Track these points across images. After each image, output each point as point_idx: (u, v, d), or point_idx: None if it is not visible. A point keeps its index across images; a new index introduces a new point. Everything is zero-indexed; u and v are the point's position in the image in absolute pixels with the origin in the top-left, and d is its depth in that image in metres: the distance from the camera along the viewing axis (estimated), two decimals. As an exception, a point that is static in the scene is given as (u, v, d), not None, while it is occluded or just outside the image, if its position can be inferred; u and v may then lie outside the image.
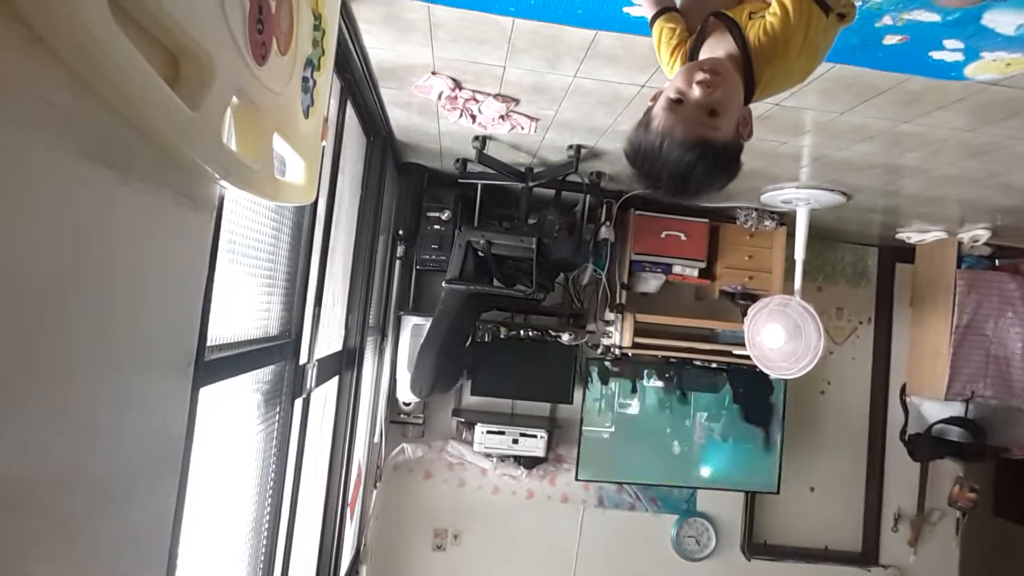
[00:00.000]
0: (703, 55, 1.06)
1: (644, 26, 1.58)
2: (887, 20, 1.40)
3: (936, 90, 1.76)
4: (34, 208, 0.55)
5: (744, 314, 3.53)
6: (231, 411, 1.35)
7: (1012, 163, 2.28)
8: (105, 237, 0.65)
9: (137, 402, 0.76)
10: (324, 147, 1.30)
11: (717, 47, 1.04)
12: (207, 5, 0.71)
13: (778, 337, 2.74)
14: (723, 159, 1.01)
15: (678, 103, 0.97)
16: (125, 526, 0.73)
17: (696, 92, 0.96)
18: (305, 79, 1.12)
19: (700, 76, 0.96)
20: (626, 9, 1.49)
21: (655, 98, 1.02)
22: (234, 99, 0.82)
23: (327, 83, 1.26)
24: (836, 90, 1.84)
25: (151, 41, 0.66)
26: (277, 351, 1.54)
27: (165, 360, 0.84)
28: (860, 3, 1.35)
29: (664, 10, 1.17)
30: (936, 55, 1.52)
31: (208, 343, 1.07)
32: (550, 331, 3.55)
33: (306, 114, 1.16)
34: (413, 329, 3.34)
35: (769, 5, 1.02)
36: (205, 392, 1.07)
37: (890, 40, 1.48)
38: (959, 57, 1.52)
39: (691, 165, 0.97)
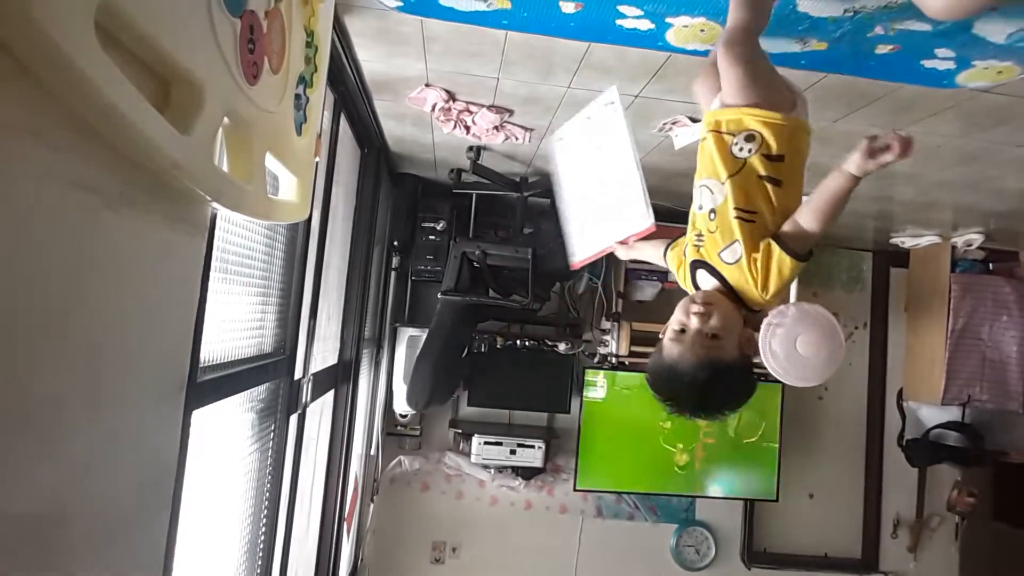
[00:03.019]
0: (700, 282, 1.21)
1: (637, 38, 1.58)
2: (879, 30, 1.40)
3: (928, 98, 1.77)
4: (20, 242, 0.54)
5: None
6: (225, 431, 1.33)
7: (1004, 168, 2.29)
8: (95, 266, 0.64)
9: (128, 432, 0.74)
10: (317, 163, 1.29)
11: (708, 277, 1.19)
12: (198, 28, 0.70)
13: (812, 345, 2.75)
14: (734, 374, 1.14)
15: (682, 332, 1.12)
16: (117, 562, 0.72)
17: (694, 322, 1.10)
18: (298, 96, 1.11)
19: (695, 308, 1.11)
20: (619, 22, 1.49)
21: (663, 332, 1.18)
22: (225, 120, 0.81)
23: (320, 99, 1.25)
24: (829, 98, 1.84)
25: (140, 65, 0.65)
26: (271, 368, 1.53)
27: (156, 386, 0.82)
28: (852, 13, 1.35)
29: (669, 244, 1.38)
30: (928, 63, 1.53)
31: (201, 364, 1.05)
32: (546, 341, 3.54)
33: (299, 131, 1.15)
34: (409, 341, 3.32)
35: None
36: (198, 414, 1.05)
37: (882, 49, 1.48)
38: (951, 65, 1.52)
39: (707, 383, 1.10)
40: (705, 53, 1.60)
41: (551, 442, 3.57)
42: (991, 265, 3.47)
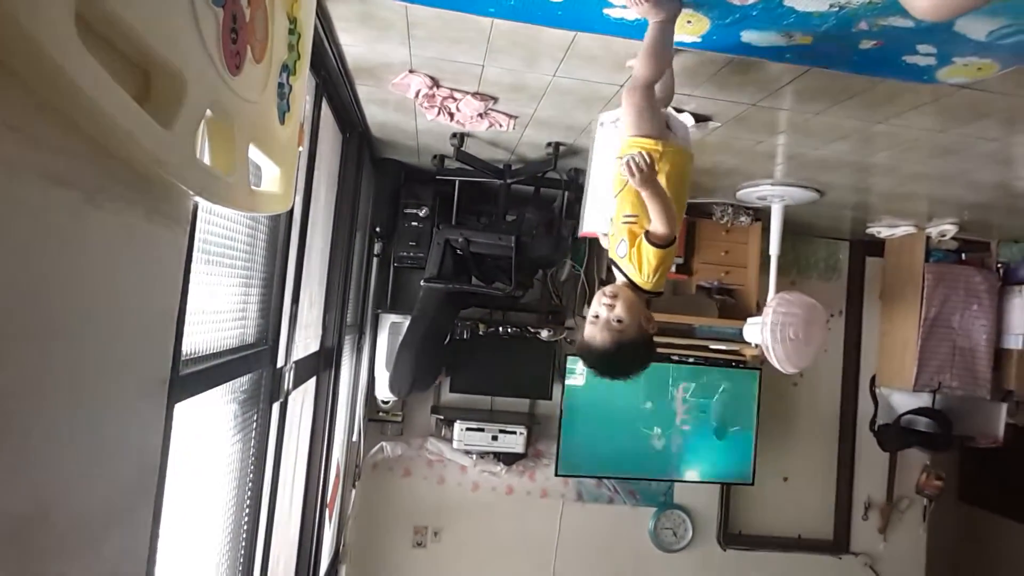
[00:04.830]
0: (616, 275, 1.53)
1: (623, 28, 1.57)
2: (863, 25, 1.41)
3: (908, 92, 1.79)
4: (-1, 238, 0.52)
5: (722, 308, 3.58)
6: (207, 422, 1.32)
7: (980, 162, 2.33)
8: (76, 262, 0.62)
9: (111, 429, 0.73)
10: (301, 152, 1.27)
11: (617, 272, 1.52)
12: (180, 19, 0.68)
13: (811, 333, 2.82)
14: (637, 347, 1.47)
15: (597, 319, 1.46)
16: (102, 560, 0.71)
17: (604, 312, 1.45)
18: (281, 85, 1.09)
19: (604, 300, 1.45)
20: (606, 11, 1.48)
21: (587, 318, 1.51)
22: (208, 112, 0.79)
23: (303, 87, 1.23)
24: (811, 92, 1.86)
25: (120, 57, 0.63)
26: (254, 359, 1.51)
27: (139, 381, 0.81)
28: (837, 8, 1.36)
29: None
30: (910, 59, 1.54)
31: (183, 356, 1.04)
32: (529, 327, 3.55)
33: (282, 120, 1.13)
34: (391, 327, 3.31)
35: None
36: (180, 407, 1.04)
37: (865, 44, 1.49)
38: (932, 61, 1.54)
39: (615, 355, 1.45)
40: (691, 45, 1.60)
41: (533, 428, 3.59)
42: (963, 255, 3.55)
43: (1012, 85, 1.68)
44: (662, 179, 1.41)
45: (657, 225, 1.39)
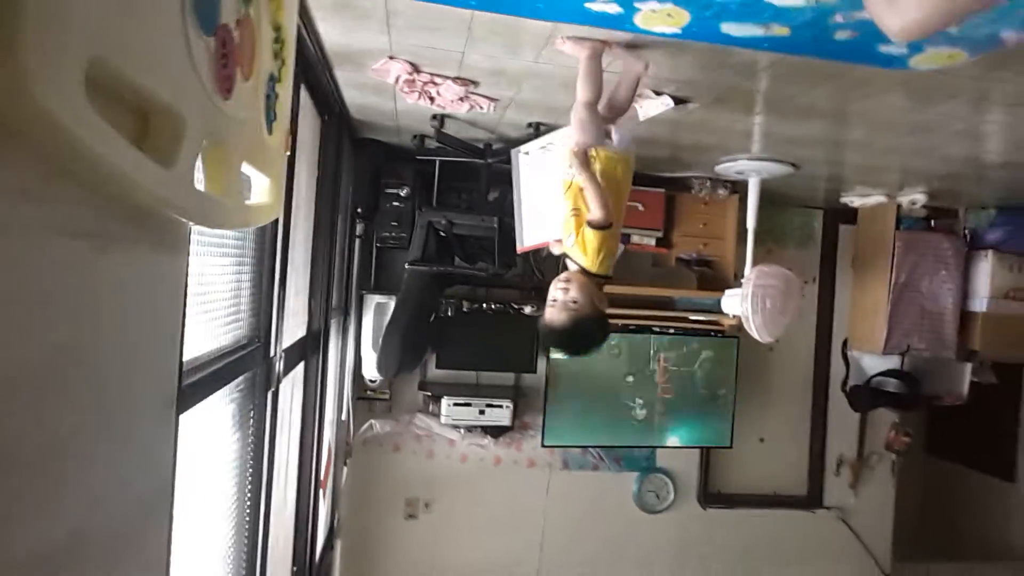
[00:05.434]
0: (569, 264, 1.73)
1: (605, 20, 1.58)
2: (839, 18, 1.44)
3: (881, 76, 1.83)
4: (24, 297, 0.55)
5: (701, 280, 3.66)
6: (207, 421, 1.35)
7: (949, 139, 2.40)
8: (92, 304, 0.65)
9: (131, 453, 0.76)
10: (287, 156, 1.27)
11: (570, 261, 1.71)
12: (176, 58, 0.69)
13: (779, 303, 2.91)
14: (592, 324, 1.65)
15: (554, 302, 1.64)
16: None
17: (560, 295, 1.63)
18: (267, 96, 1.09)
19: (560, 286, 1.65)
20: (588, 4, 1.48)
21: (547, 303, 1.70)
22: (204, 142, 0.80)
23: (288, 93, 1.22)
24: (788, 75, 1.89)
25: (119, 101, 0.64)
26: (249, 357, 1.54)
27: (153, 403, 0.84)
28: (814, 4, 1.38)
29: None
30: (884, 48, 1.58)
31: (184, 368, 1.07)
32: (512, 304, 3.60)
33: (270, 130, 1.13)
34: (376, 307, 3.33)
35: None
36: (184, 417, 1.07)
37: (841, 35, 1.52)
38: (904, 51, 1.58)
39: (573, 333, 1.64)
40: (672, 36, 1.61)
41: (518, 401, 3.68)
42: (932, 222, 3.66)
43: (981, 69, 1.73)
44: (605, 179, 1.66)
45: (594, 210, 1.62)
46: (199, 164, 0.87)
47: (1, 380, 0.52)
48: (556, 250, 1.98)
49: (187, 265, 0.91)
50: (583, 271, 1.67)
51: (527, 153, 2.20)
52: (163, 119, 0.69)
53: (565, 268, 1.80)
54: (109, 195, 0.65)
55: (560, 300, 1.63)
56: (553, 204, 2.06)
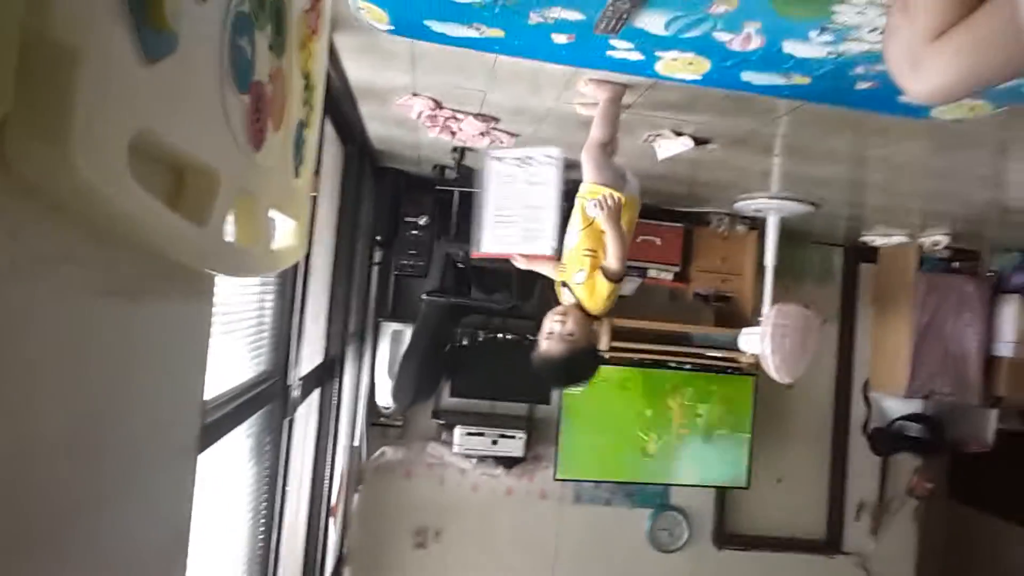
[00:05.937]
0: (564, 296, 1.76)
1: (627, 66, 1.61)
2: (859, 70, 1.45)
3: (902, 123, 1.83)
4: (55, 359, 0.56)
5: (718, 315, 3.63)
6: (225, 454, 1.36)
7: (971, 184, 2.38)
8: (119, 363, 0.66)
9: (158, 501, 0.77)
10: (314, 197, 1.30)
11: (568, 293, 1.74)
12: (213, 118, 0.71)
13: (799, 343, 2.90)
14: (586, 358, 1.70)
15: (551, 334, 1.66)
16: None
17: (557, 327, 1.66)
18: (296, 143, 1.12)
19: (556, 319, 1.67)
20: (610, 52, 1.51)
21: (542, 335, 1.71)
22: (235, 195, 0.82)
23: (315, 137, 1.26)
24: (808, 121, 1.90)
25: (155, 161, 0.67)
26: (269, 391, 1.56)
27: (178, 448, 0.85)
28: (835, 56, 1.40)
29: (557, 265, 1.86)
30: (904, 99, 1.58)
31: (206, 406, 1.08)
32: (528, 335, 3.59)
33: (297, 173, 1.16)
34: (392, 335, 3.35)
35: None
36: (204, 455, 1.08)
37: (862, 86, 1.53)
38: (926, 101, 1.58)
39: (568, 365, 1.67)
40: (694, 82, 1.63)
41: (532, 432, 3.65)
42: (955, 264, 3.61)
43: (1004, 118, 1.72)
44: (623, 224, 1.66)
45: (612, 261, 1.64)
46: (230, 217, 0.90)
47: (37, 450, 0.54)
48: (553, 275, 1.95)
49: (211, 310, 0.93)
50: (580, 307, 1.69)
51: (500, 159, 2.16)
52: (198, 177, 0.72)
53: (552, 284, 1.83)
54: (147, 255, 0.67)
55: (556, 332, 1.65)
56: (529, 213, 2.06)
